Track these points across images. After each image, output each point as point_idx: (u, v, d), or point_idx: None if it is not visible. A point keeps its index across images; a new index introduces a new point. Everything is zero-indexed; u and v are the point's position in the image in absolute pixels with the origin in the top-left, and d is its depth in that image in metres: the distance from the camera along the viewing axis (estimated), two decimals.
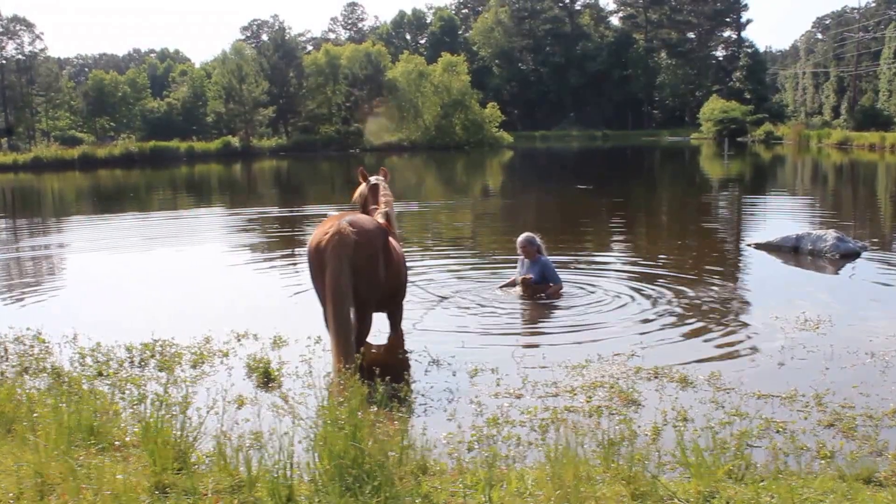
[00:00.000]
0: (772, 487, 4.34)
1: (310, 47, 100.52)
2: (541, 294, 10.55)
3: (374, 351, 8.35)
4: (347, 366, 6.48)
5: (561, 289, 10.76)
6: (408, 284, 9.10)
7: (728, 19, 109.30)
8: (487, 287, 11.28)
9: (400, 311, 8.86)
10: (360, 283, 7.43)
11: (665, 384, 6.91)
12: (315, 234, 7.60)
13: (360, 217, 7.76)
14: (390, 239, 8.11)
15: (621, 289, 11.10)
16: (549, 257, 11.07)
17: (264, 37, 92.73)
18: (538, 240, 10.95)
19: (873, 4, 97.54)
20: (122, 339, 8.20)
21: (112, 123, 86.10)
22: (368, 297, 7.65)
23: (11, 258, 15.89)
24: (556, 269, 11.03)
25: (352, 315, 7.58)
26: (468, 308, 10.10)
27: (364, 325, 7.74)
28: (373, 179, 9.16)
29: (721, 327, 8.98)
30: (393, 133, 75.57)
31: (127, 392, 6.75)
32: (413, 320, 9.31)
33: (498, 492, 4.26)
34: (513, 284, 11.05)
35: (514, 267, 11.39)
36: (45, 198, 36.59)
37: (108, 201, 31.58)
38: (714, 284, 11.39)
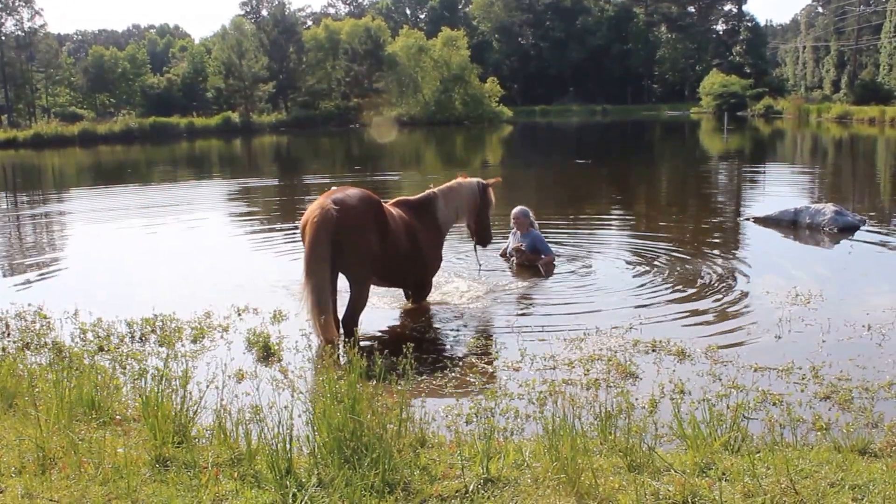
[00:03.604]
0: (768, 459, 4.37)
1: (309, 22, 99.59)
2: (536, 262, 10.70)
3: (372, 325, 8.38)
4: (323, 330, 7.02)
5: (554, 260, 10.90)
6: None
7: None
8: (486, 258, 11.33)
9: (422, 289, 8.92)
10: (350, 257, 7.51)
11: (663, 357, 6.95)
12: (307, 211, 7.66)
13: (350, 192, 7.76)
14: (390, 210, 8.11)
15: (619, 262, 11.16)
16: (539, 231, 11.20)
17: (264, 12, 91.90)
18: (531, 214, 11.12)
19: None
20: (122, 314, 8.22)
21: (112, 100, 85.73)
22: (360, 269, 7.69)
23: (13, 235, 15.89)
24: (550, 243, 11.30)
25: (352, 290, 7.68)
26: (466, 281, 10.13)
27: (361, 298, 7.77)
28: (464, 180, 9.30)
29: (719, 301, 9.00)
30: (392, 108, 75.17)
31: (128, 367, 6.79)
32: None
33: (496, 464, 4.29)
34: (504, 254, 11.19)
35: (506, 238, 11.59)
36: (45, 174, 36.50)
37: (108, 177, 31.51)
38: (712, 258, 11.41)
